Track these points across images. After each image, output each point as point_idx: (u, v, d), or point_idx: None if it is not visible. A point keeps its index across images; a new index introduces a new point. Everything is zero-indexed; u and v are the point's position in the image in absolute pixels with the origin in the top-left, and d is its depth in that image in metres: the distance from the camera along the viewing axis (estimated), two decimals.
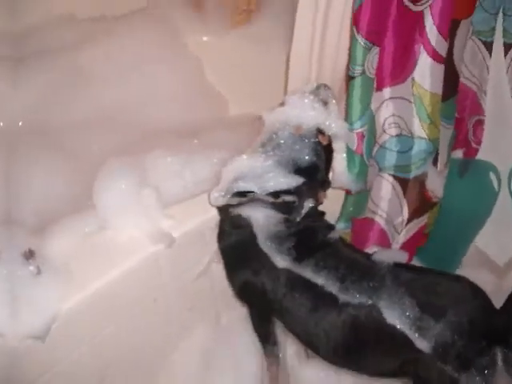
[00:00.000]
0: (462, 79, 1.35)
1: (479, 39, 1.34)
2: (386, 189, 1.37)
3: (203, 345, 1.37)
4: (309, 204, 1.09)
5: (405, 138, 1.30)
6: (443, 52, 1.22)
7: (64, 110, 1.71)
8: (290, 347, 1.35)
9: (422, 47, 1.21)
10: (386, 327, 1.04)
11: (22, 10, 1.90)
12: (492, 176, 1.49)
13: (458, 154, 1.48)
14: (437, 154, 1.35)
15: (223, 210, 1.18)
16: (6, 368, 1.06)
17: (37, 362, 1.10)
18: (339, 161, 1.25)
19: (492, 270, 1.53)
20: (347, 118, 1.24)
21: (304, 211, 1.08)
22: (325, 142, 1.15)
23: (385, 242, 1.44)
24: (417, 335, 1.01)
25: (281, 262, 1.10)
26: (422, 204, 1.40)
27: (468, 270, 1.48)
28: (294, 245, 1.10)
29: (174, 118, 1.71)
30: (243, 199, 1.12)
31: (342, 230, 1.38)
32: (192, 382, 1.35)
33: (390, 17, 1.19)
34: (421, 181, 1.36)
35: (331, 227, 1.21)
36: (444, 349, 1.01)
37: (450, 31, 1.21)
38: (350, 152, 1.28)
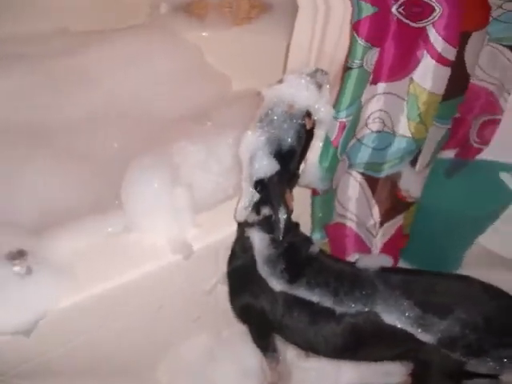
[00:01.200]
0: (474, 81, 1.34)
1: (501, 44, 1.33)
2: (353, 188, 1.34)
3: (206, 343, 1.39)
4: (283, 216, 1.08)
5: (385, 135, 1.28)
6: (451, 56, 1.21)
7: (53, 111, 1.70)
8: (290, 352, 1.37)
9: (425, 52, 1.21)
10: (385, 327, 1.07)
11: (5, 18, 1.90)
12: (504, 176, 1.43)
13: (449, 154, 1.44)
14: (417, 154, 1.31)
15: (241, 226, 1.19)
16: None
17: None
18: (315, 149, 1.24)
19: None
20: (336, 105, 1.22)
21: (282, 225, 1.08)
22: (309, 126, 1.14)
23: (363, 247, 1.40)
24: (419, 330, 1.04)
25: (277, 285, 1.15)
26: (394, 205, 1.37)
27: (483, 269, 1.38)
28: (284, 267, 1.15)
29: (179, 102, 1.69)
30: (255, 218, 1.13)
31: (319, 240, 1.36)
32: (194, 371, 1.38)
33: (389, 30, 1.19)
34: (392, 180, 1.33)
35: (309, 240, 1.23)
36: (452, 340, 1.03)
37: (459, 41, 1.20)
38: (326, 142, 1.25)
